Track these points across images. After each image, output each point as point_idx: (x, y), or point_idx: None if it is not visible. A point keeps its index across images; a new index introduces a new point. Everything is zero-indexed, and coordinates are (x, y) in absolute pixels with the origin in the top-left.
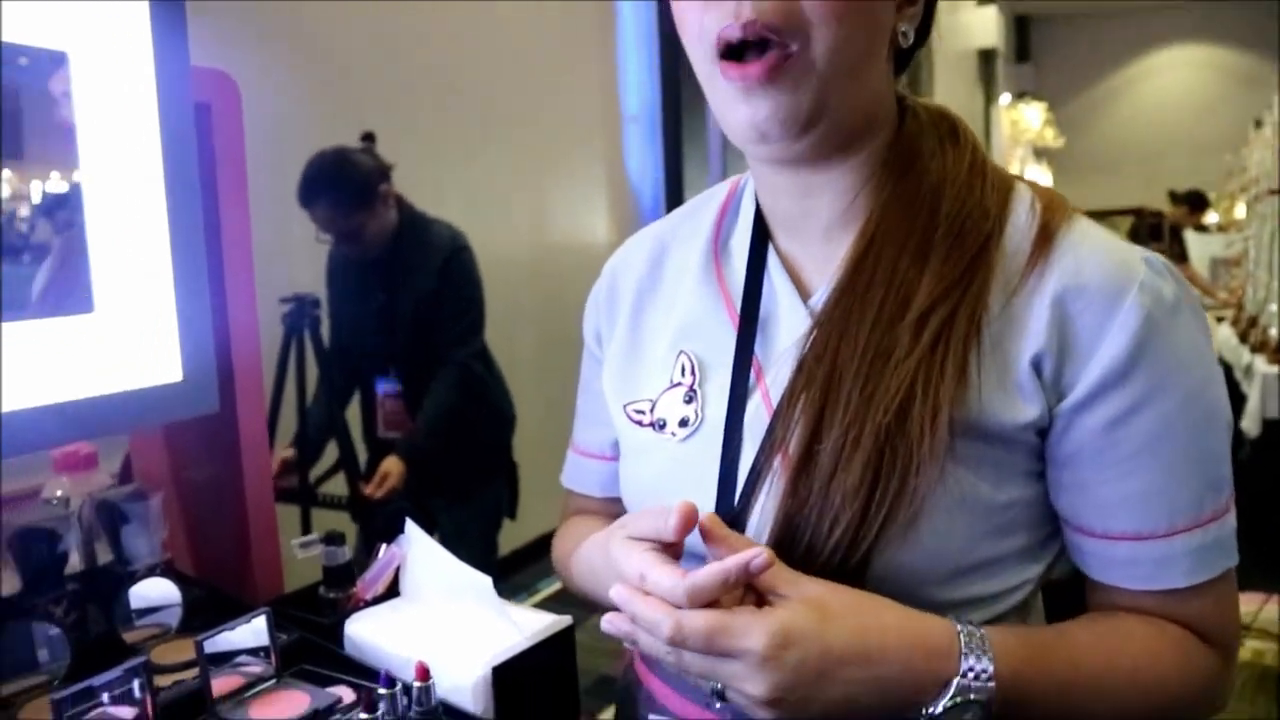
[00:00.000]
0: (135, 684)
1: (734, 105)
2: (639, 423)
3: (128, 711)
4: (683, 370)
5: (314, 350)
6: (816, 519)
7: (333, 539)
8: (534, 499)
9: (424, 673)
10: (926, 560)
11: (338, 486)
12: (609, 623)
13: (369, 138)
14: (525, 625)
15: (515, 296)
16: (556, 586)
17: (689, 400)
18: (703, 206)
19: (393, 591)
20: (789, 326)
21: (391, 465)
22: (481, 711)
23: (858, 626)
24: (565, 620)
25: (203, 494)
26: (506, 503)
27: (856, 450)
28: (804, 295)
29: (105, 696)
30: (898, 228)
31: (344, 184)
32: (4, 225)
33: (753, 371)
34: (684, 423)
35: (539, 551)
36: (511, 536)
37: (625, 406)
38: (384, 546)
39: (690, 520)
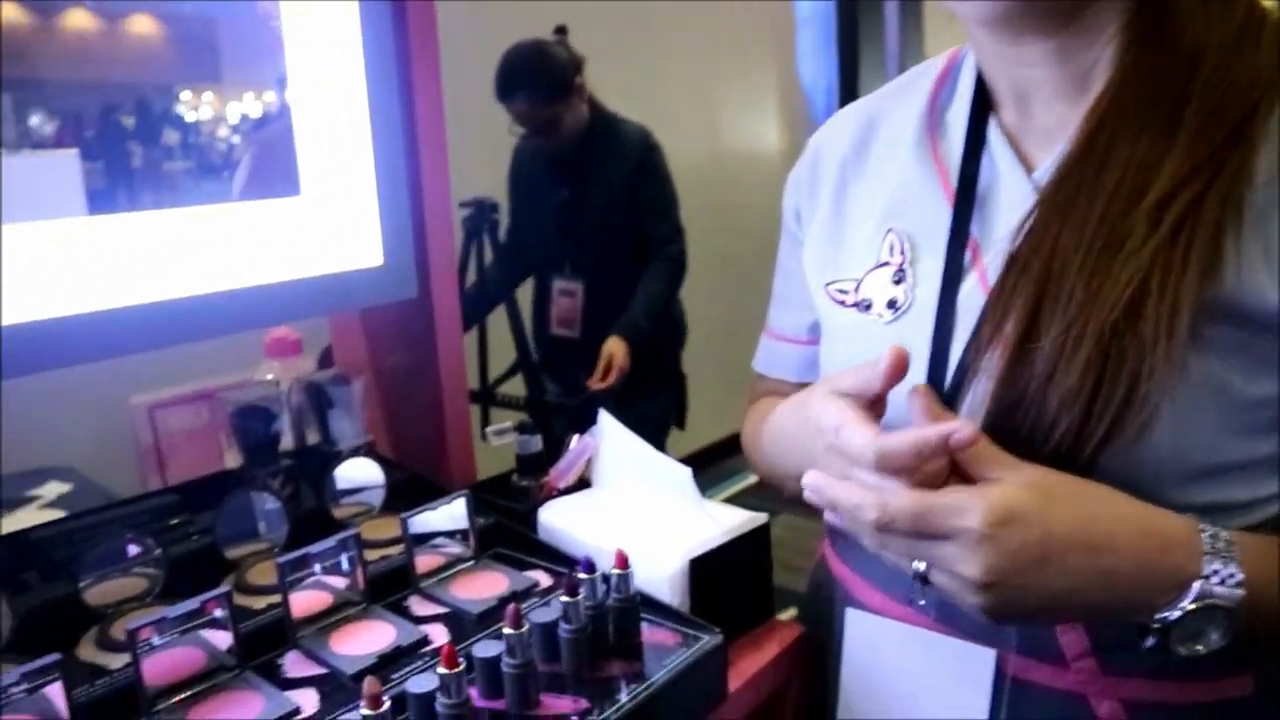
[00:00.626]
0: (345, 556)
1: None
2: (842, 303)
3: (339, 581)
4: (891, 249)
5: (493, 253)
6: (1036, 416)
7: (525, 428)
8: (701, 410)
9: (623, 561)
10: (1163, 459)
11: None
12: (812, 490)
13: (561, 30)
14: (722, 520)
15: (685, 204)
16: (723, 494)
17: (898, 280)
18: (917, 79)
19: (583, 483)
20: (1009, 203)
21: (614, 347)
22: (676, 603)
23: (1085, 513)
24: (762, 518)
25: (401, 380)
26: (674, 412)
27: (1078, 350)
28: (1028, 170)
29: (319, 566)
30: (1140, 99)
31: (541, 75)
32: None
33: (969, 250)
34: (892, 304)
35: (706, 460)
36: (678, 447)
37: (827, 286)
38: (575, 437)
39: (901, 367)
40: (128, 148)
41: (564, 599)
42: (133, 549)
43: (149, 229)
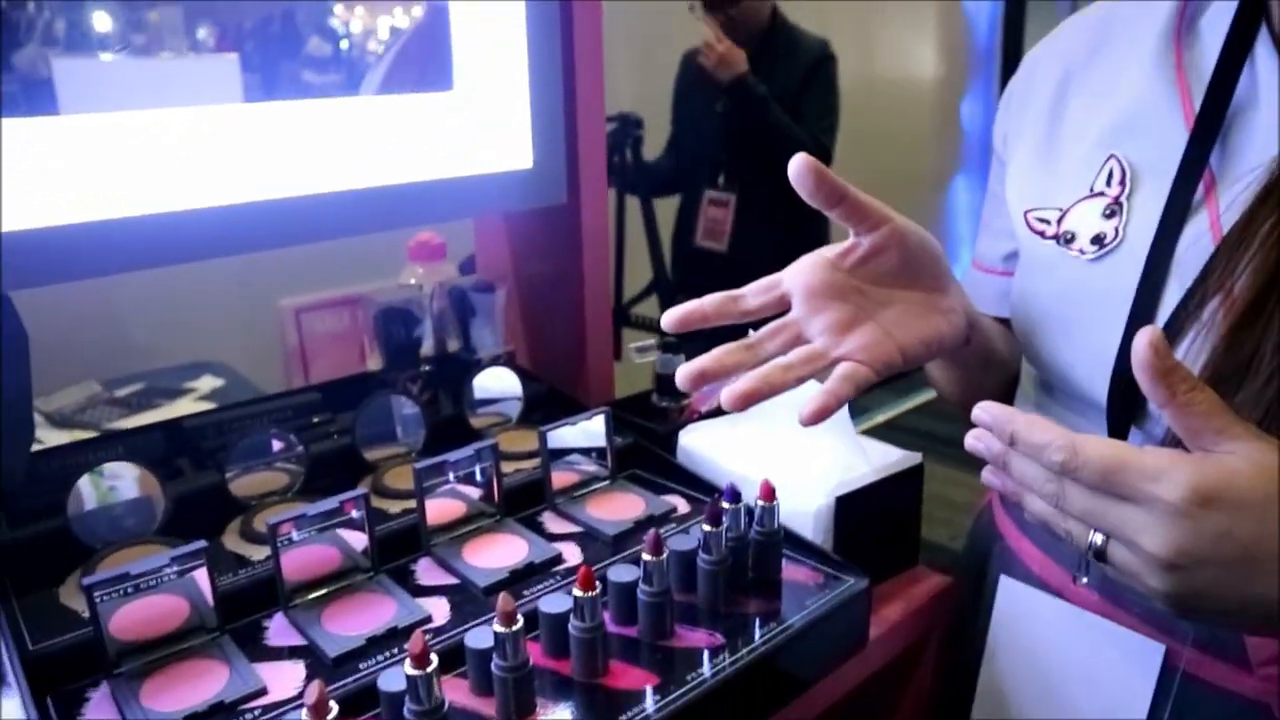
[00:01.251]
0: (481, 466)
1: None
2: (1041, 233)
3: (474, 491)
4: (1109, 177)
5: (635, 170)
6: (1261, 389)
7: (669, 346)
8: None
9: (769, 492)
10: None
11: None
12: (976, 438)
13: None
14: (874, 457)
15: (841, 129)
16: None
17: (1110, 214)
18: None
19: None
20: (1265, 129)
21: (734, 55)
22: (820, 540)
23: None
24: (916, 457)
25: (542, 290)
26: None
27: None
28: None
29: (453, 475)
30: None
31: None
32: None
33: (1202, 185)
34: (1098, 240)
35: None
36: None
37: (1027, 213)
38: None
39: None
40: (281, 51)
41: (705, 528)
42: (276, 444)
43: (299, 119)
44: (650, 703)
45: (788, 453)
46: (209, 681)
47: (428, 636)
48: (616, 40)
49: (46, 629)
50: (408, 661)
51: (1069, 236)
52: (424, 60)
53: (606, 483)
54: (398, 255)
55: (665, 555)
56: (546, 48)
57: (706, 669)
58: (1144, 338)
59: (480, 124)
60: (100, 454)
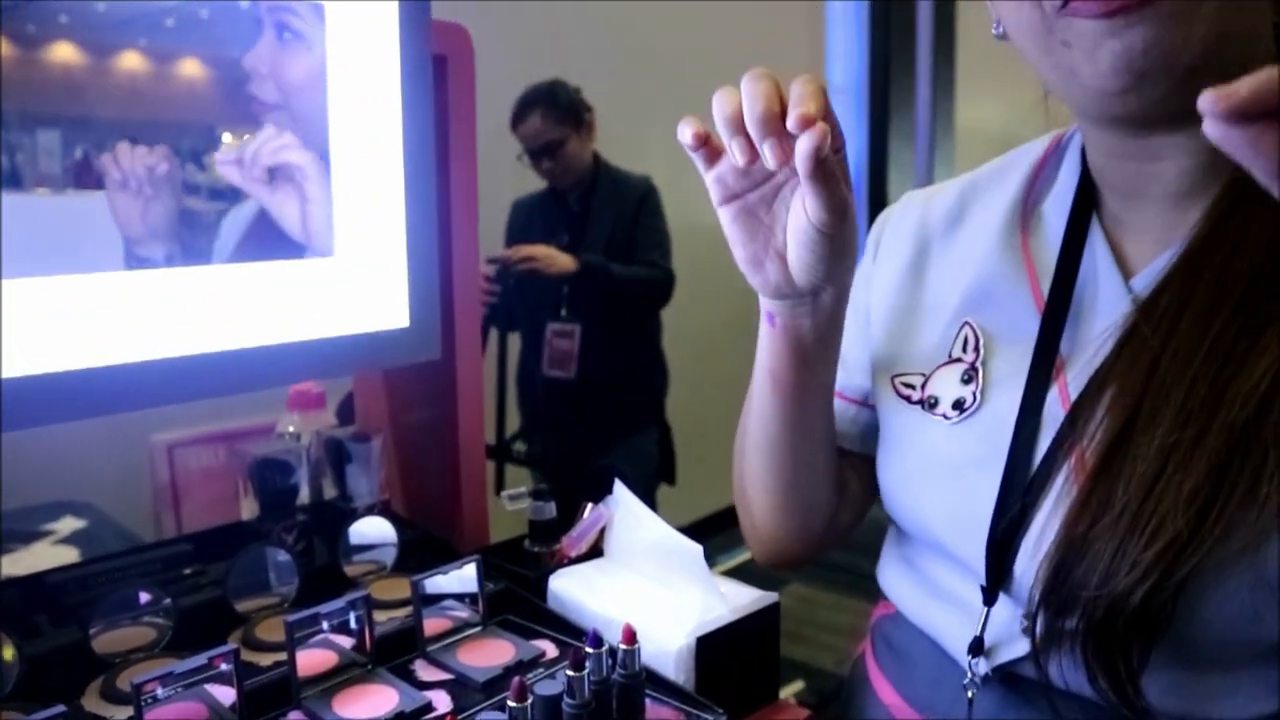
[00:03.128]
0: (355, 616)
1: (1097, 44)
2: (907, 398)
3: (347, 640)
4: (965, 344)
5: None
6: (1131, 521)
7: (540, 494)
8: (697, 478)
9: (630, 636)
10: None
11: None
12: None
13: (577, 91)
14: (732, 598)
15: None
16: (723, 567)
17: (968, 379)
18: (1015, 162)
19: (595, 551)
20: (1104, 309)
21: (558, 255)
22: (683, 680)
23: None
24: (772, 597)
25: (418, 438)
26: (660, 463)
27: (1197, 450)
28: (1126, 274)
29: (327, 624)
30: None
31: (555, 98)
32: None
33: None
34: (959, 404)
35: (704, 532)
36: (676, 515)
37: (894, 378)
38: (589, 506)
39: None
40: (169, 195)
41: (569, 673)
42: (144, 598)
43: (181, 284)
44: None
45: (652, 596)
46: None
47: None
48: (486, 178)
49: None
50: None
51: (932, 401)
52: (304, 227)
53: (478, 629)
54: (275, 391)
55: (530, 701)
56: (424, 211)
57: None
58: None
59: (359, 286)
60: None
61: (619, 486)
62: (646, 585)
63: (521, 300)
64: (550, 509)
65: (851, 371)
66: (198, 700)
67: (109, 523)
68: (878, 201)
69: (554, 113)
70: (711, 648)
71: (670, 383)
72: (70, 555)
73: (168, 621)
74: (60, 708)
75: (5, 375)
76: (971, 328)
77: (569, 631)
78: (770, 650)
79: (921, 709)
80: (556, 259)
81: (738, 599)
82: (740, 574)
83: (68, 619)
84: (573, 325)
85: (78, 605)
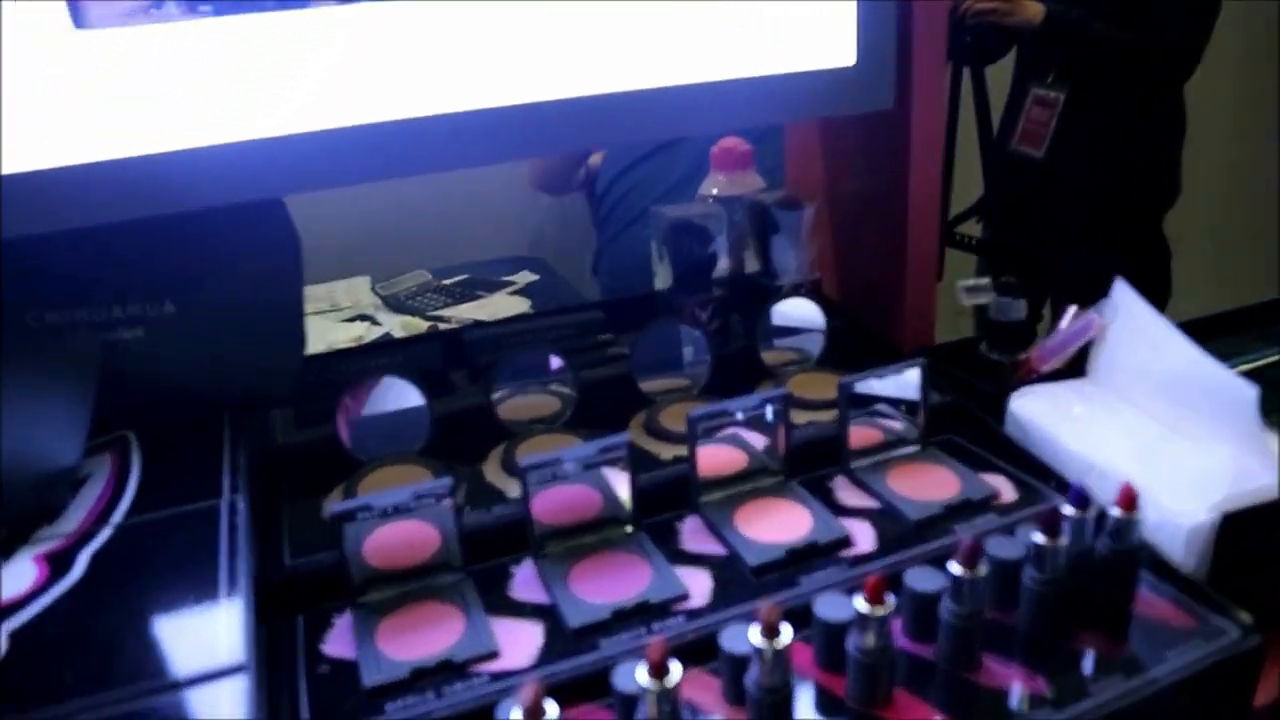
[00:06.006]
0: (771, 411)
1: None
2: None
3: (758, 441)
4: None
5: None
6: None
7: (1008, 287)
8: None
9: (1129, 499)
10: None
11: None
12: None
13: None
14: None
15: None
16: None
17: None
18: None
19: (1073, 369)
20: None
21: (1024, 2)
22: (1193, 569)
23: None
24: None
25: (858, 210)
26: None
27: None
28: None
29: (737, 420)
30: None
31: None
32: None
33: None
34: None
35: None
36: None
37: None
38: (1072, 310)
39: None
40: None
41: (1038, 538)
42: (554, 363)
43: (587, 9)
44: None
45: (1157, 444)
46: (443, 632)
47: (680, 618)
48: None
49: (305, 544)
50: (643, 668)
51: None
52: None
53: (915, 449)
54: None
55: (983, 569)
56: None
57: None
58: None
59: (794, 12)
60: (376, 362)
61: (1122, 288)
62: (1150, 428)
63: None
64: (1020, 307)
65: None
66: (593, 488)
67: (560, 281)
68: None
69: None
70: (1243, 529)
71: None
72: (522, 305)
73: (571, 392)
74: (446, 481)
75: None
76: None
77: (1031, 469)
78: None
79: None
80: (1020, 6)
81: None
82: None
83: (479, 379)
84: (1057, 93)
85: (490, 366)
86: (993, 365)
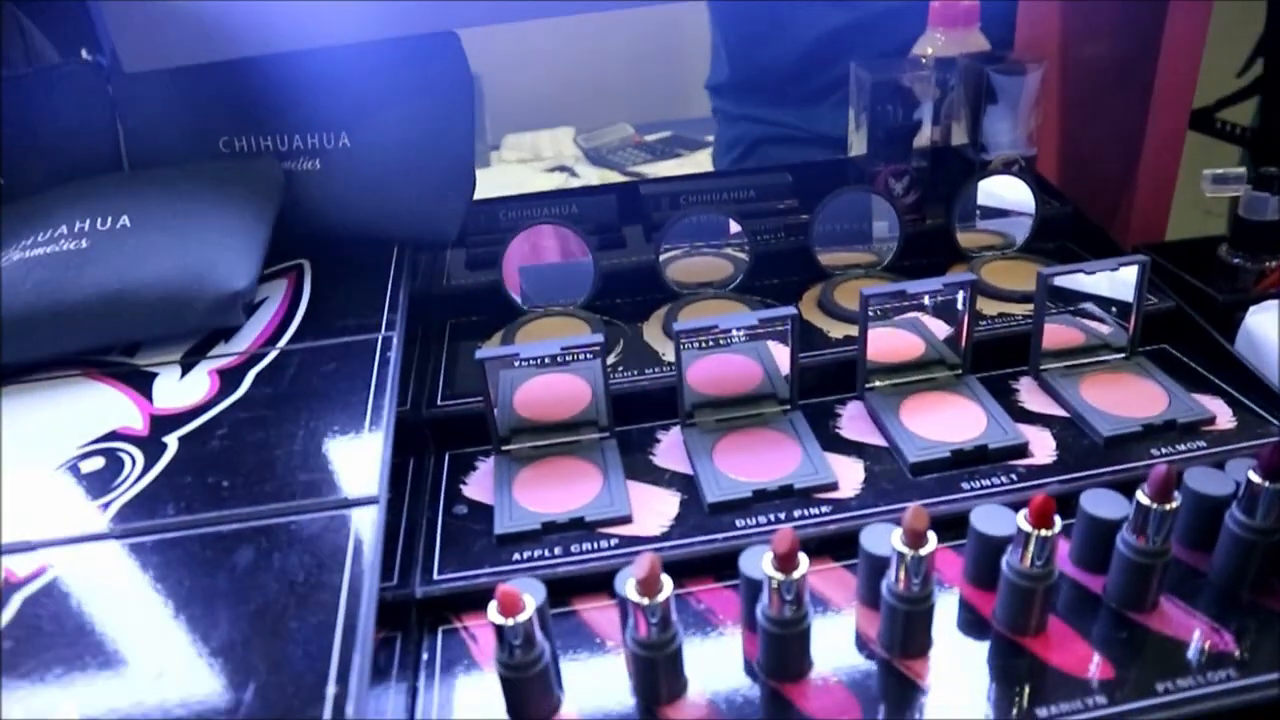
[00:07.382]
0: (959, 298)
1: None
2: None
3: (940, 329)
4: None
5: None
6: None
7: (1267, 181)
8: None
9: None
10: None
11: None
12: None
13: None
14: None
15: None
16: None
17: None
18: None
19: None
20: None
21: None
22: None
23: None
24: None
25: (1096, 82)
26: None
27: None
28: None
29: (926, 302)
30: None
31: None
32: None
33: None
34: None
35: None
36: None
37: None
38: None
39: None
40: None
41: (1253, 475)
42: (730, 226)
43: None
44: (1090, 701)
45: None
46: (580, 490)
47: (825, 508)
48: None
49: (460, 386)
50: (769, 556)
51: None
52: None
53: (1120, 357)
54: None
55: (1177, 502)
56: None
57: (1191, 680)
58: None
59: None
60: (550, 210)
61: None
62: None
63: None
64: (1276, 205)
65: None
66: (752, 358)
67: None
68: None
69: None
70: None
71: None
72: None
73: (745, 258)
74: (598, 337)
75: None
76: None
77: (1259, 395)
78: None
79: None
80: None
81: None
82: None
83: (653, 236)
84: None
85: (662, 222)
86: (1232, 270)
